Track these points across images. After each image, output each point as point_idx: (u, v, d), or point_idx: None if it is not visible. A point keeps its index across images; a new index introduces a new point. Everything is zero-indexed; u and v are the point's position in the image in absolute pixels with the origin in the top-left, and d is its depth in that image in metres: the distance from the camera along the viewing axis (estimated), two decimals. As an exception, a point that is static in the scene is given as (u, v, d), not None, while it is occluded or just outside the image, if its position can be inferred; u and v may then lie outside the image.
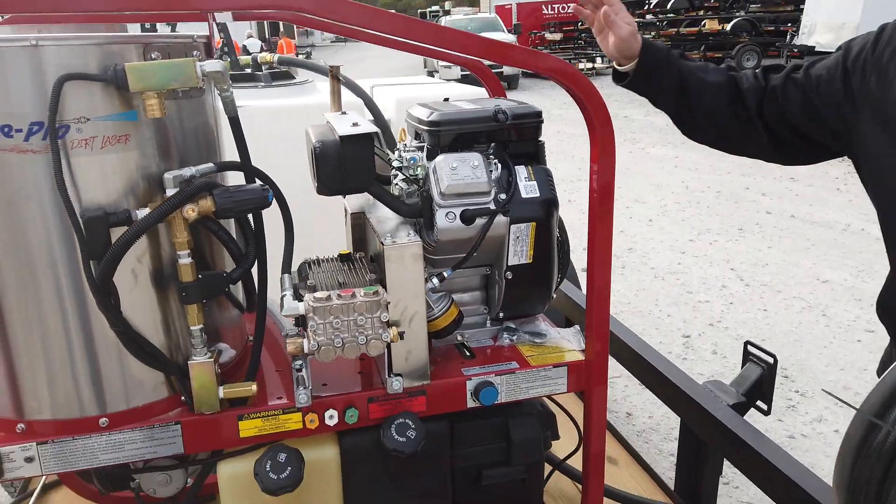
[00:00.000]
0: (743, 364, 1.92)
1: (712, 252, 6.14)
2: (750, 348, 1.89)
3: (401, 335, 1.33)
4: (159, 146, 1.22)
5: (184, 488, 1.44)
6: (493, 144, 1.50)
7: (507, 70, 16.14)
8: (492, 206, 1.43)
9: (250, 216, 1.32)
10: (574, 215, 5.93)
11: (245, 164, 1.31)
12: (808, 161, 1.66)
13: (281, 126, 2.33)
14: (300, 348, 1.26)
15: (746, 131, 1.62)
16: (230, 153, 1.39)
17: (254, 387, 1.31)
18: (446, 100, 1.67)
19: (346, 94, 2.21)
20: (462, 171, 1.42)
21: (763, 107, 1.58)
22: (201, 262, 1.30)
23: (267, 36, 39.51)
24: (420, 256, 1.33)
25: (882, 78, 1.41)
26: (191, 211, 1.19)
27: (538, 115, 1.51)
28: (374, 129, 1.40)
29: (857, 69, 1.46)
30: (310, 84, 2.89)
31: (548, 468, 1.72)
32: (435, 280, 1.46)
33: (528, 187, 1.47)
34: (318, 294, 1.26)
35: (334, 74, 1.80)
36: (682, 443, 1.93)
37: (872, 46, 1.45)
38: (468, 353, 1.52)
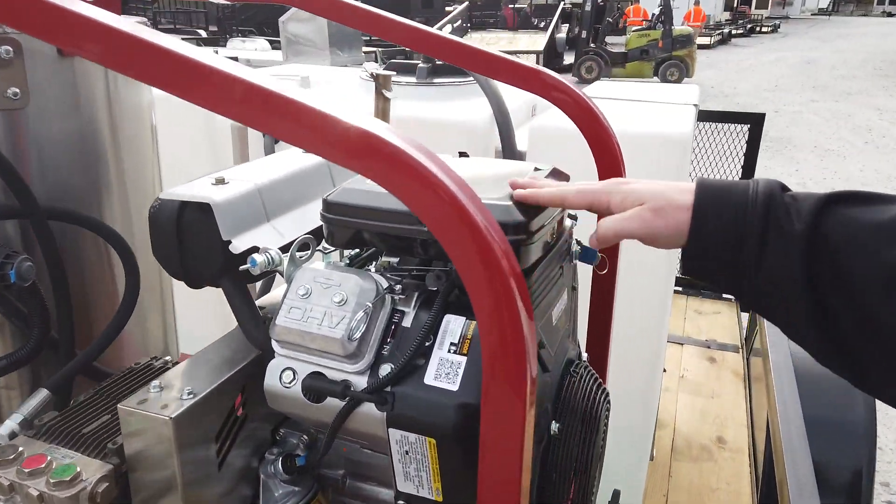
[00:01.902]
0: None
1: None
2: None
3: (128, 550, 0.78)
4: None
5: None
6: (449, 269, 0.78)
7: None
8: (356, 383, 0.74)
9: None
10: None
11: (27, 209, 0.88)
12: None
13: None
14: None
15: None
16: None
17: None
18: (463, 154, 0.96)
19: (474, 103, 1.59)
20: (313, 304, 0.75)
21: None
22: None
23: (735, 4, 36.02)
24: (169, 439, 0.74)
25: None
26: None
27: (517, 227, 0.73)
28: (222, 197, 0.83)
29: None
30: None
31: None
32: (278, 465, 0.85)
33: (446, 365, 0.72)
34: (8, 444, 0.79)
35: (380, 85, 1.21)
36: None
37: None
38: None
